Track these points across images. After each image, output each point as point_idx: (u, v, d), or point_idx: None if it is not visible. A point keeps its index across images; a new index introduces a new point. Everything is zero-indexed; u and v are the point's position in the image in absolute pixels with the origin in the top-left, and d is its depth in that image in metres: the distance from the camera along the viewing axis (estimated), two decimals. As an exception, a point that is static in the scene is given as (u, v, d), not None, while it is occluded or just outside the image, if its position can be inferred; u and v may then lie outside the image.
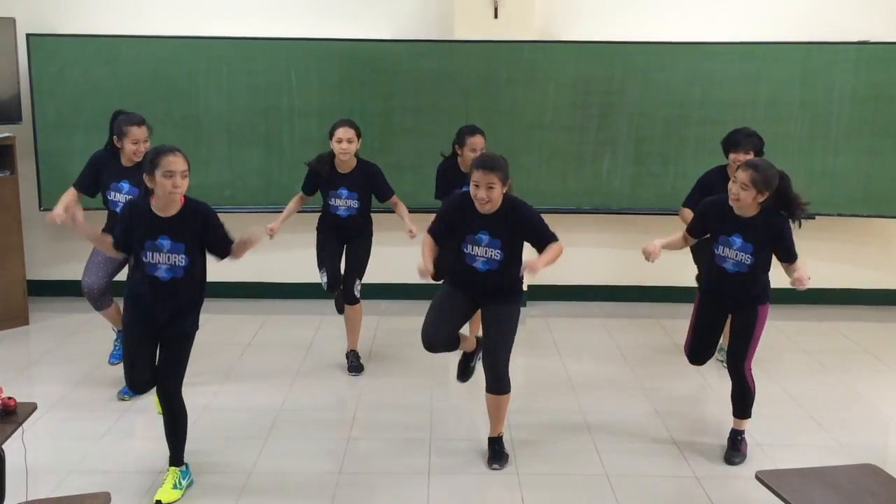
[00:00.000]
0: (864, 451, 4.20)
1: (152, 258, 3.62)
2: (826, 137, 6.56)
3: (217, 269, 6.11)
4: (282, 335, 6.07)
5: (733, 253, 3.98)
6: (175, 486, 3.77)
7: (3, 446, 3.18)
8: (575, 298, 7.05)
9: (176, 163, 3.52)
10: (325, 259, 5.26)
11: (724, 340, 5.36)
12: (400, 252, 6.58)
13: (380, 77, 6.51)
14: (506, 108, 6.51)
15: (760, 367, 5.52)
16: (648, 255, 4.09)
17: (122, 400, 4.80)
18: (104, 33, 6.47)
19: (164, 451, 4.14)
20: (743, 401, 4.19)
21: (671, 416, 4.72)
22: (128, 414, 4.64)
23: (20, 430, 3.18)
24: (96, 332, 5.87)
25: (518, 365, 5.56)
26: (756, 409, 4.78)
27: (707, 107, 6.42)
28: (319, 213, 5.31)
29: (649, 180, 6.59)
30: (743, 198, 3.88)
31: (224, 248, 3.71)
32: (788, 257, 3.98)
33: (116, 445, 4.27)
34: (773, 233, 3.93)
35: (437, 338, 4.12)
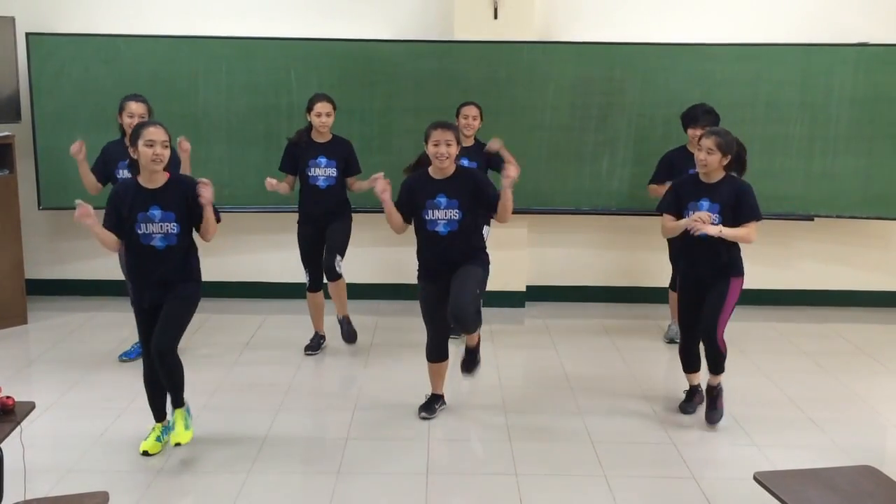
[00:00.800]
0: (863, 453, 4.20)
1: (147, 229, 3.85)
2: (825, 139, 6.56)
3: (216, 270, 6.12)
4: (278, 335, 6.06)
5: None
6: (187, 427, 4.08)
7: (2, 445, 3.18)
8: (573, 299, 7.04)
9: (156, 133, 3.79)
10: (307, 256, 5.52)
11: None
12: (397, 252, 6.60)
13: (379, 77, 6.50)
14: (505, 109, 6.51)
15: (759, 369, 5.54)
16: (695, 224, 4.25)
17: (123, 361, 5.36)
18: (103, 32, 6.47)
19: (162, 450, 4.15)
20: (715, 361, 4.51)
21: (669, 417, 4.72)
22: (126, 413, 4.63)
23: (18, 429, 3.18)
24: (95, 332, 5.88)
25: (516, 365, 5.58)
26: (754, 410, 4.80)
27: (706, 108, 6.42)
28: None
29: (648, 181, 6.59)
30: (710, 161, 4.25)
31: (198, 221, 3.93)
32: (753, 213, 4.28)
33: (115, 444, 4.26)
34: (736, 191, 4.27)
35: (441, 347, 4.60)
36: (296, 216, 5.53)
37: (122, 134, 5.09)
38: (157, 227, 3.84)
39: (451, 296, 4.31)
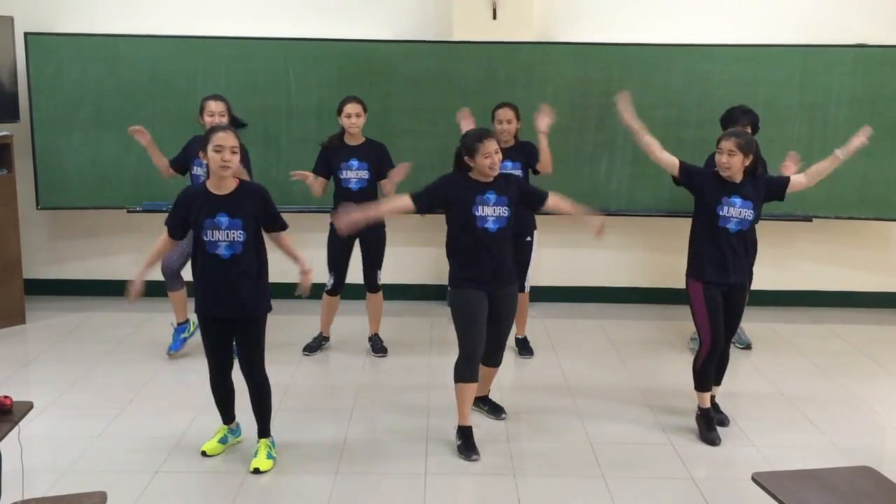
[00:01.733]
0: (861, 454, 4.21)
1: (212, 236, 3.78)
2: (824, 140, 6.55)
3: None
4: (281, 334, 6.05)
5: (737, 211, 4.27)
6: (269, 456, 4.03)
7: (0, 445, 3.18)
8: (572, 300, 7.04)
9: (225, 138, 3.73)
10: (334, 261, 5.52)
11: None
12: (406, 253, 6.60)
13: (378, 78, 6.50)
14: (504, 110, 6.50)
15: (757, 369, 5.54)
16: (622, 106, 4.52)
17: (171, 356, 5.49)
18: (102, 32, 6.46)
19: (160, 450, 4.17)
20: (723, 370, 4.61)
21: (667, 417, 4.72)
22: (125, 413, 4.63)
23: (16, 429, 3.17)
24: (94, 332, 5.88)
25: (515, 365, 5.58)
26: (752, 410, 4.81)
27: (705, 109, 6.40)
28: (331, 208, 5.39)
29: (647, 182, 6.59)
30: (733, 164, 4.24)
31: (276, 224, 3.95)
32: (784, 182, 4.46)
33: (113, 445, 4.26)
34: (763, 185, 4.37)
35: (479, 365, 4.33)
36: (297, 216, 5.44)
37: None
38: (224, 235, 3.77)
39: (496, 329, 4.27)
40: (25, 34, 6.35)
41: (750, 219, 4.31)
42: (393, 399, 4.94)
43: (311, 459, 4.18)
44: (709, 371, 4.45)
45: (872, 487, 2.94)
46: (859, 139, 4.52)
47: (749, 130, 5.24)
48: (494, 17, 6.49)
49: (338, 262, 5.53)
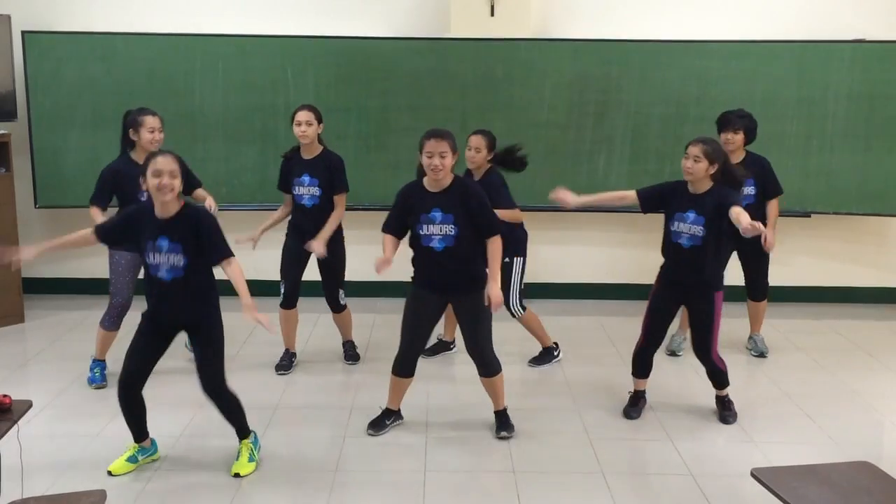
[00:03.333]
0: (860, 449, 4.22)
1: (154, 259, 3.72)
2: (822, 135, 6.57)
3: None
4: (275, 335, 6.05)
5: (687, 227, 4.28)
6: (250, 459, 3.99)
7: (-1, 444, 3.18)
8: (571, 296, 7.05)
9: (164, 163, 3.63)
10: (285, 269, 5.25)
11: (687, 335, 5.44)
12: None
13: (376, 75, 6.50)
14: (502, 106, 6.51)
15: (756, 365, 5.55)
16: (560, 201, 4.48)
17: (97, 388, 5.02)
18: (99, 30, 6.46)
19: (158, 448, 4.15)
20: (717, 378, 4.60)
21: (666, 413, 4.73)
22: (123, 412, 4.63)
23: (15, 427, 3.17)
24: (92, 330, 5.84)
25: (514, 362, 5.57)
26: (752, 407, 4.81)
27: (703, 105, 6.41)
28: None
29: (645, 178, 6.53)
30: (696, 170, 4.23)
31: (213, 255, 3.74)
32: (727, 206, 4.15)
33: (112, 443, 4.24)
34: (720, 200, 4.18)
35: (411, 363, 4.34)
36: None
37: (124, 150, 4.94)
38: (164, 259, 3.69)
39: (468, 338, 4.25)
40: (23, 33, 6.34)
41: (700, 235, 4.23)
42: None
43: (310, 459, 4.18)
44: (638, 360, 4.63)
45: (871, 482, 2.94)
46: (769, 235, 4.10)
47: (742, 135, 5.28)
48: (492, 14, 6.48)
49: (288, 271, 5.22)
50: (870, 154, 6.57)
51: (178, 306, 3.79)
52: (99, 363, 5.08)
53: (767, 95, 6.48)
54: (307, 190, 5.09)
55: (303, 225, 5.15)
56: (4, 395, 3.19)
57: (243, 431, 4.03)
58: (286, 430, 4.48)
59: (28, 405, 3.30)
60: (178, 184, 3.66)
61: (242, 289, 3.70)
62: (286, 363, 5.36)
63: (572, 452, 4.25)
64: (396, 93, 6.52)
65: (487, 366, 4.31)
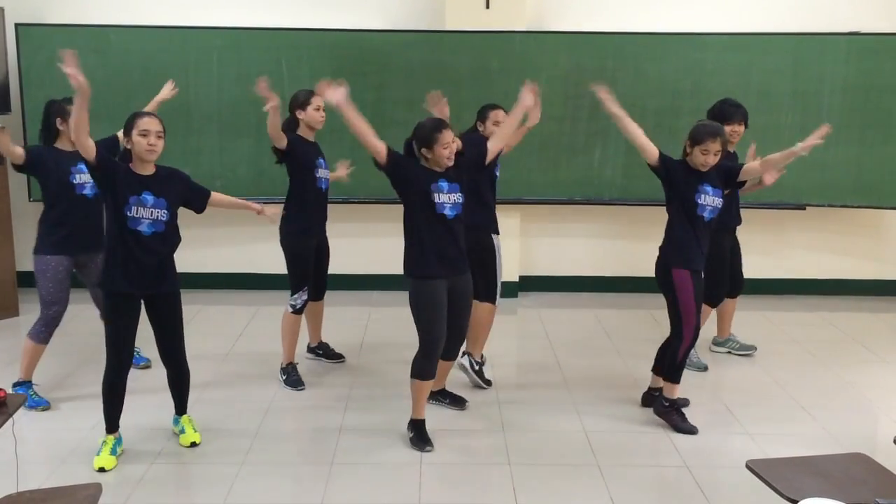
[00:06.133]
0: (854, 441, 4.23)
1: (136, 213, 3.83)
2: (817, 128, 6.54)
3: (207, 261, 6.09)
4: (271, 327, 6.04)
5: (710, 199, 4.34)
6: (195, 429, 4.18)
7: (-6, 437, 3.17)
8: (566, 289, 7.05)
9: (151, 123, 3.82)
10: (305, 272, 5.12)
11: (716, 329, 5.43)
12: (390, 243, 6.57)
13: (371, 68, 6.49)
14: (497, 99, 6.41)
15: (751, 358, 5.56)
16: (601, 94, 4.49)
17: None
18: (93, 23, 6.44)
19: (154, 441, 4.15)
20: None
21: (662, 405, 4.73)
22: (119, 405, 4.62)
23: (10, 421, 3.17)
24: (86, 324, 5.85)
25: (509, 355, 5.58)
26: (746, 398, 4.82)
27: (698, 97, 6.39)
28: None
29: (641, 171, 6.47)
30: (715, 161, 4.33)
31: (200, 193, 4.10)
32: (738, 168, 4.44)
33: (107, 436, 4.25)
34: (727, 171, 4.41)
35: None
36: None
37: (45, 137, 4.86)
38: (148, 213, 3.82)
39: (456, 318, 4.21)
40: (16, 25, 6.32)
41: (719, 207, 4.37)
42: (388, 390, 4.93)
43: (307, 451, 4.19)
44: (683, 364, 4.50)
45: (866, 474, 2.95)
46: (816, 137, 4.41)
47: (742, 125, 5.16)
48: (487, 7, 6.48)
49: (309, 273, 5.08)
50: (864, 146, 6.58)
51: (154, 260, 3.89)
52: (27, 384, 4.61)
53: (762, 88, 6.49)
54: (324, 173, 4.97)
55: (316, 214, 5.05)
56: (-1, 389, 3.19)
57: (184, 407, 4.23)
58: (281, 423, 4.48)
59: (23, 399, 3.30)
60: (161, 145, 3.85)
61: (239, 200, 4.32)
62: (296, 378, 5.00)
63: (568, 444, 4.26)
64: (391, 86, 6.51)
65: (459, 349, 4.46)
